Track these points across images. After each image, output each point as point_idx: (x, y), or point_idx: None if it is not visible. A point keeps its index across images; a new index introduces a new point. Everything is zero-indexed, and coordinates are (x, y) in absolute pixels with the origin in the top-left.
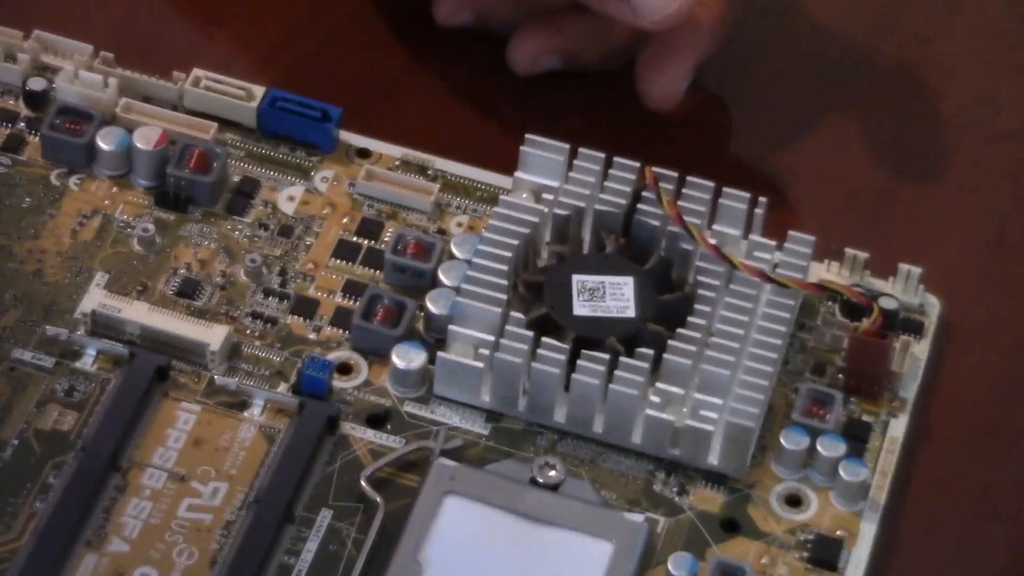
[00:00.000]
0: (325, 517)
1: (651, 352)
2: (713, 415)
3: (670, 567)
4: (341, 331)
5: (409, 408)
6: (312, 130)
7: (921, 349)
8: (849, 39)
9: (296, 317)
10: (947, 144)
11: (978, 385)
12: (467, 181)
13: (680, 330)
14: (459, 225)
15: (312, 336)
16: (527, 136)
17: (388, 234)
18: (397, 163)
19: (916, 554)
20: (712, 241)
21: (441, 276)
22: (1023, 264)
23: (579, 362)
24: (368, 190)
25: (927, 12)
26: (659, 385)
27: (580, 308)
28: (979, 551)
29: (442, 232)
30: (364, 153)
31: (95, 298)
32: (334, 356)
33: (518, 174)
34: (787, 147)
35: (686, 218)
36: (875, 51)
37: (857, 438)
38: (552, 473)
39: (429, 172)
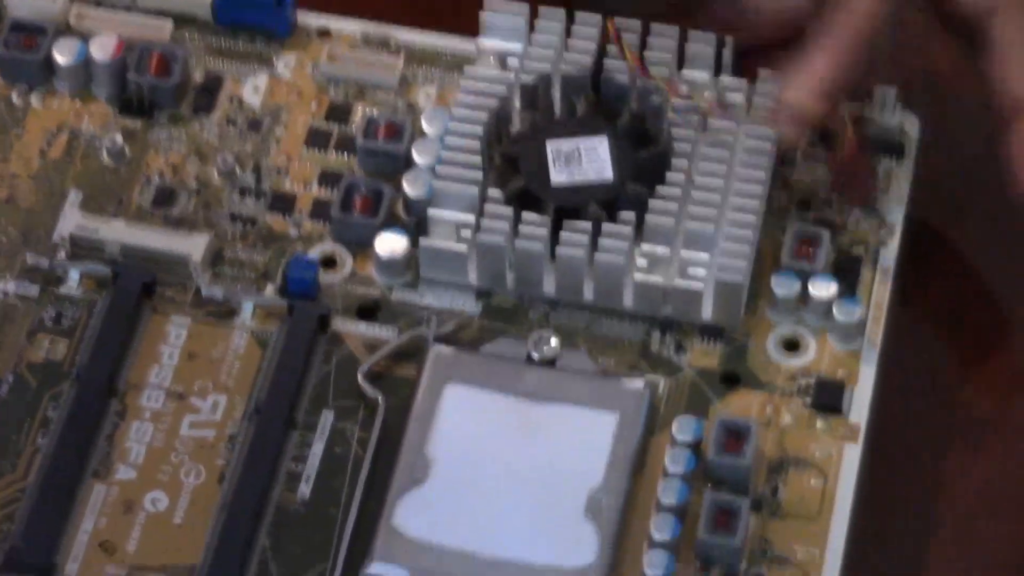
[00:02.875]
0: (327, 419)
1: (633, 215)
2: (701, 272)
3: (674, 432)
4: (322, 223)
5: (398, 296)
6: (268, 15)
7: (904, 170)
8: None
9: (275, 214)
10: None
11: None
12: (431, 50)
13: (660, 188)
14: (427, 96)
15: (293, 232)
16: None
17: (357, 116)
18: (358, 41)
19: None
20: (682, 89)
21: (415, 156)
22: None
23: (562, 234)
24: (332, 71)
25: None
26: (644, 247)
27: (557, 176)
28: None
29: (412, 107)
30: (324, 33)
31: (72, 220)
32: (317, 250)
33: (480, 40)
34: None
35: (653, 69)
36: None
37: (848, 272)
38: (548, 347)
39: (392, 46)
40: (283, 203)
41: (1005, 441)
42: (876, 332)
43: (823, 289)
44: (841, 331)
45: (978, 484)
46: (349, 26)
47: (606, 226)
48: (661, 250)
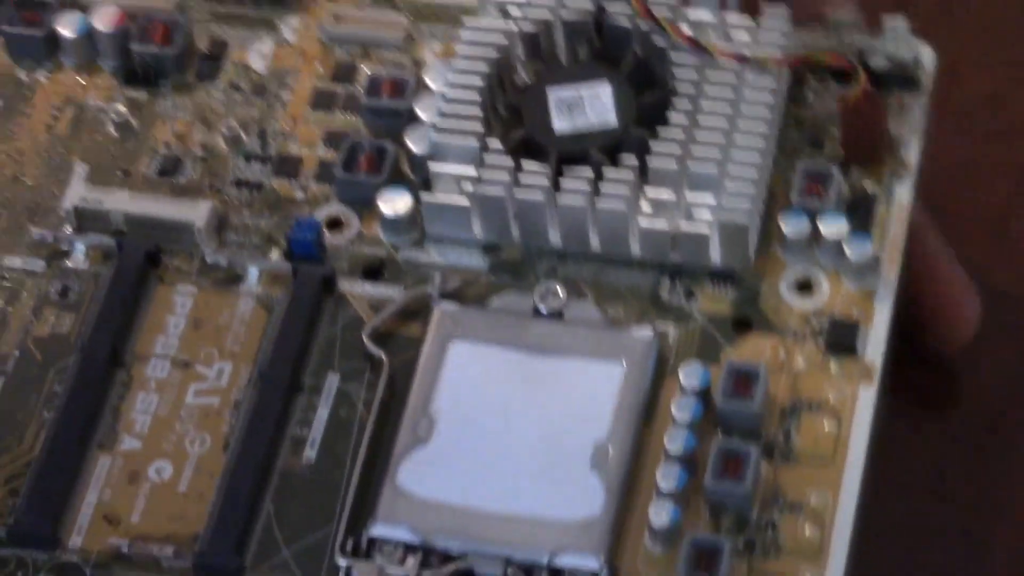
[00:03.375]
0: (333, 382)
1: (634, 159)
2: (707, 216)
3: (681, 379)
4: (328, 185)
5: (405, 255)
6: None
7: (920, 103)
8: None
9: (281, 178)
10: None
11: None
12: (437, 5)
13: (662, 130)
14: (433, 53)
15: (300, 195)
16: None
17: (363, 76)
18: (364, 0)
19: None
20: (686, 30)
21: (418, 111)
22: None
23: (562, 180)
24: (337, 33)
25: (928, 9)
26: (648, 191)
27: (560, 123)
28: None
29: (418, 64)
30: None
31: (76, 192)
32: (323, 212)
33: None
34: None
35: (655, 9)
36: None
37: (862, 211)
38: (555, 298)
39: (397, 3)
40: (289, 166)
41: None
42: (891, 270)
43: (833, 227)
44: (854, 270)
45: None
46: None
47: (607, 171)
48: (665, 194)
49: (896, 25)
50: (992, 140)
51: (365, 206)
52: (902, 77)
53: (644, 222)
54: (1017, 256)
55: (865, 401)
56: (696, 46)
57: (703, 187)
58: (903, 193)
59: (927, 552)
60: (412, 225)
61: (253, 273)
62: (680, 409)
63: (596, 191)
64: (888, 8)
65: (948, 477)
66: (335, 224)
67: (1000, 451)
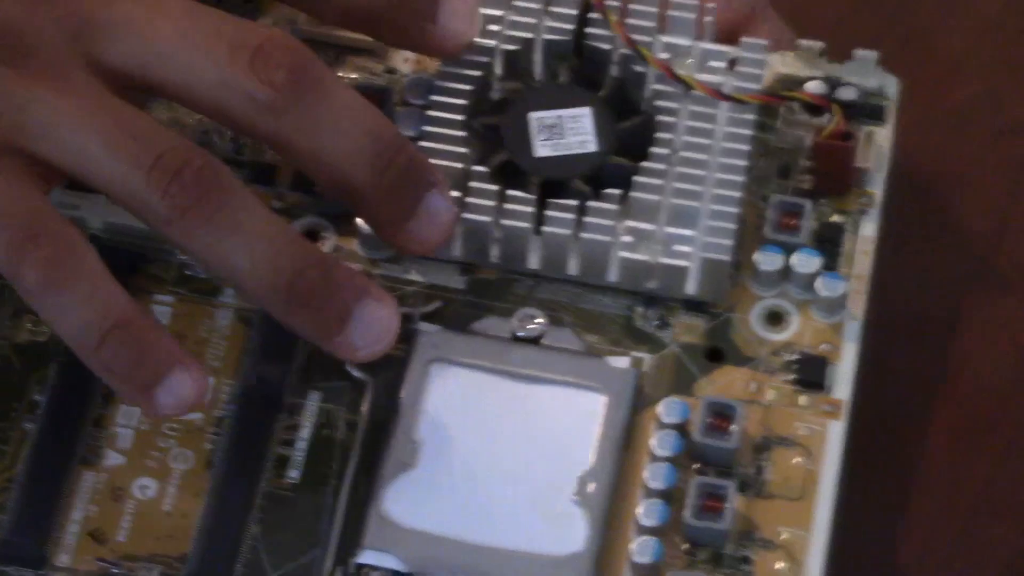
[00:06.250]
0: (314, 400)
1: (618, 193)
2: (687, 249)
3: (661, 413)
4: (304, 194)
5: (383, 270)
6: None
7: (884, 136)
8: (850, 35)
9: (257, 186)
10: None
11: None
12: None
13: (644, 164)
14: (406, 61)
15: (276, 204)
16: None
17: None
18: None
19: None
20: (664, 56)
21: (400, 126)
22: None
23: (547, 213)
24: (310, 34)
25: (928, 8)
26: (629, 223)
27: (541, 148)
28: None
29: (391, 72)
30: None
31: (52, 198)
32: (301, 223)
33: None
34: None
35: (635, 36)
36: (875, 48)
37: (830, 242)
38: (534, 324)
39: None
40: (265, 174)
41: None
42: (858, 305)
43: (806, 264)
44: (824, 304)
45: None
46: None
47: (591, 204)
48: (646, 226)
49: (865, 57)
50: (992, 140)
51: (344, 219)
52: (869, 109)
53: (625, 253)
54: (1017, 255)
55: (834, 436)
56: (674, 77)
57: (684, 221)
58: (869, 226)
59: (927, 552)
60: None
61: None
62: (661, 445)
63: (580, 222)
64: (888, 8)
65: (948, 477)
66: (312, 236)
67: (1000, 451)
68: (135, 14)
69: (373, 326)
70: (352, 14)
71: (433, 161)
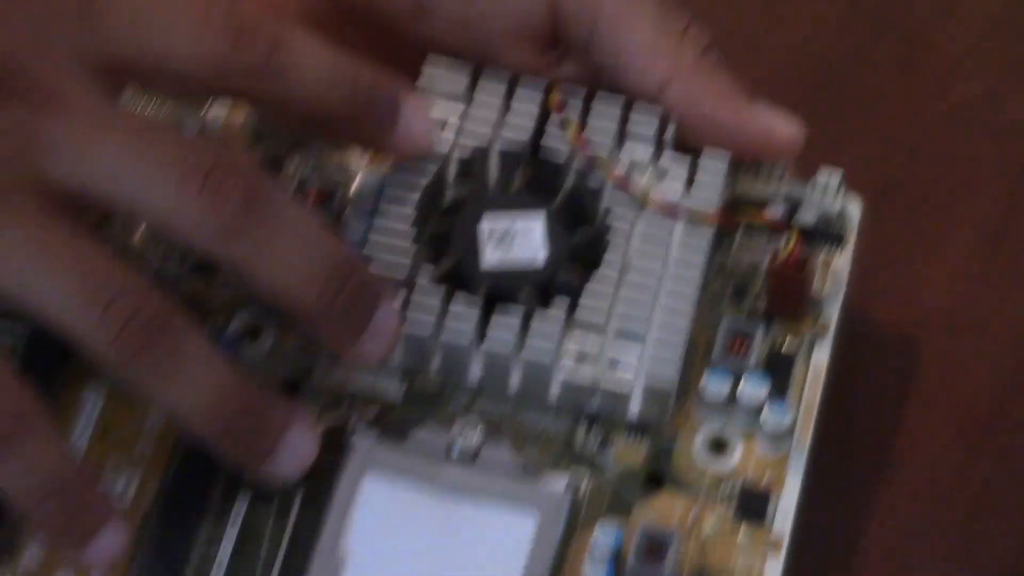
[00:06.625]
0: (241, 507)
1: (563, 310)
2: (630, 374)
3: (596, 538)
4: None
5: (320, 373)
6: None
7: (842, 264)
8: (849, 35)
9: (198, 277)
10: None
11: None
12: None
13: (592, 280)
14: (361, 156)
15: (216, 298)
16: (429, 55)
17: (291, 169)
18: None
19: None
20: (622, 169)
21: (347, 226)
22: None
23: (489, 329)
24: (265, 123)
25: (928, 7)
26: (572, 345)
27: (490, 257)
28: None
29: (344, 169)
30: None
31: None
32: (240, 320)
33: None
34: None
35: (594, 146)
36: (876, 46)
37: (781, 370)
38: (471, 439)
39: None
40: (206, 268)
41: None
42: (805, 436)
43: (754, 391)
44: (770, 435)
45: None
46: None
47: (536, 320)
48: (591, 345)
49: (829, 179)
50: (992, 140)
51: (284, 316)
52: (830, 233)
53: (566, 374)
54: (1017, 255)
55: (771, 571)
56: (630, 192)
57: (629, 342)
58: (821, 356)
59: (927, 552)
60: None
61: None
62: (594, 573)
63: (522, 338)
64: (888, 9)
65: (947, 477)
66: (253, 333)
67: (1000, 451)
68: (81, 132)
69: (296, 454)
70: (314, 116)
71: (378, 266)
